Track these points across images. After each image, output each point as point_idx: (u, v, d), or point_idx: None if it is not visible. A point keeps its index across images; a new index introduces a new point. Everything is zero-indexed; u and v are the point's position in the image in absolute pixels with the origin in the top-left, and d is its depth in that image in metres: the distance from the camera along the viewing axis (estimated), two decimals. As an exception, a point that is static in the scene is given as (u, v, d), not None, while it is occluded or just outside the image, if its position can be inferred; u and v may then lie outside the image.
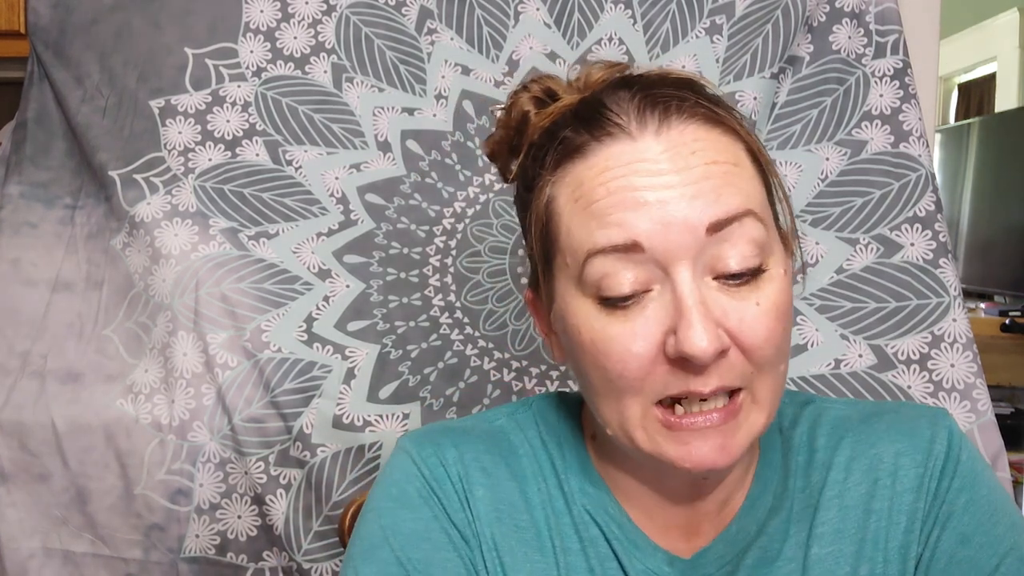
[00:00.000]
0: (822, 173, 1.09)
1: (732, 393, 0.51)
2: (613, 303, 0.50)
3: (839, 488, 0.58)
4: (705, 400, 0.50)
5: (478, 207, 1.13)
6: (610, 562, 0.57)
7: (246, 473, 1.04)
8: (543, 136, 0.57)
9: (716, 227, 0.49)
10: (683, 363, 0.49)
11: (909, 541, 0.56)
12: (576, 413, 0.63)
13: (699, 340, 0.47)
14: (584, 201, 0.52)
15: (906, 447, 0.58)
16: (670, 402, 0.51)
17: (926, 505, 0.56)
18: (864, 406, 0.63)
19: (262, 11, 1.16)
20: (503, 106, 0.61)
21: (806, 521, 0.58)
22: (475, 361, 1.08)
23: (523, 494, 0.59)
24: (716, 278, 0.50)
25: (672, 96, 0.53)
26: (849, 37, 1.11)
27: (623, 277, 0.50)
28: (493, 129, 0.64)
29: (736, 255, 0.50)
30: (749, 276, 0.50)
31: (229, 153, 1.13)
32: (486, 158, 1.19)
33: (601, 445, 0.60)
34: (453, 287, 1.10)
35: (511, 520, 0.58)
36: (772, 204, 0.55)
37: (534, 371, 1.08)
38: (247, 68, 1.15)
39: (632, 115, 0.52)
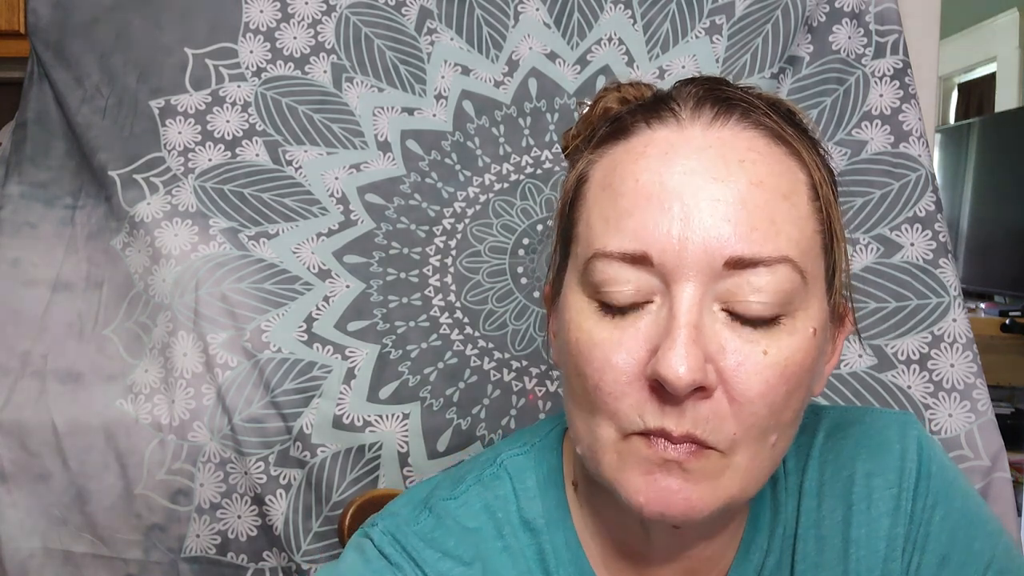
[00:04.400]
0: (822, 173, 1.09)
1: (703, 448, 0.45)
2: (608, 307, 0.46)
3: (814, 516, 0.54)
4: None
5: (478, 207, 1.13)
6: None
7: (246, 473, 1.04)
8: (605, 122, 0.52)
9: (737, 264, 0.43)
10: (660, 390, 0.44)
11: (890, 570, 0.52)
12: (556, 463, 0.56)
13: (677, 364, 0.41)
14: (611, 192, 0.47)
15: (877, 466, 0.54)
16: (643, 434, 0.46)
17: (904, 529, 0.53)
18: (824, 416, 0.58)
19: (262, 11, 1.16)
20: (588, 102, 0.56)
21: (788, 554, 0.54)
22: (475, 361, 1.08)
23: None
24: (725, 310, 0.44)
25: (740, 99, 0.47)
26: (849, 37, 1.11)
27: (624, 284, 0.45)
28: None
29: (756, 295, 0.44)
30: (767, 319, 0.44)
31: (229, 153, 1.13)
32: (486, 158, 1.20)
33: (583, 497, 0.54)
34: (453, 287, 1.11)
35: None
36: (827, 254, 0.48)
37: (534, 371, 1.08)
38: (247, 68, 1.15)
39: (689, 104, 0.47)
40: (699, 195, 0.44)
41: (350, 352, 1.07)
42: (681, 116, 0.47)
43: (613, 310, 0.46)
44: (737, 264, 0.43)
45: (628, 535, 0.53)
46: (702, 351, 0.43)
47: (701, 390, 0.43)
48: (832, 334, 0.51)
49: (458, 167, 1.14)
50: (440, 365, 1.08)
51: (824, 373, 0.51)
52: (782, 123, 0.47)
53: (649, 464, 0.45)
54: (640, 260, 0.44)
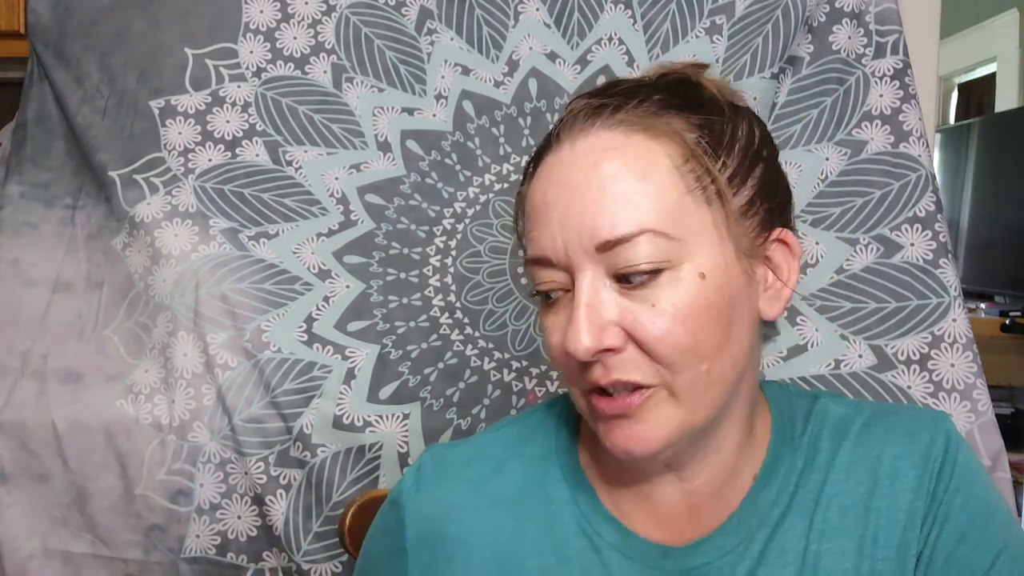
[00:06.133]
0: (822, 173, 1.09)
1: (637, 388, 0.54)
2: (543, 297, 0.57)
3: (840, 487, 0.59)
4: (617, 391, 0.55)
5: (478, 207, 1.13)
6: (595, 570, 0.59)
7: (246, 473, 1.04)
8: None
9: (606, 247, 0.53)
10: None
11: (909, 540, 0.57)
12: (576, 412, 0.65)
13: (575, 339, 0.52)
14: (527, 212, 0.58)
15: (905, 450, 0.59)
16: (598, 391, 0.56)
17: (925, 504, 0.58)
18: (865, 408, 0.64)
19: (262, 11, 1.16)
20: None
21: (806, 516, 0.59)
22: (475, 361, 1.08)
23: (495, 524, 0.62)
24: (617, 280, 0.54)
25: (608, 103, 0.56)
26: (849, 37, 1.11)
27: (544, 278, 0.56)
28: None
29: (629, 263, 0.53)
30: (647, 278, 0.53)
31: (229, 153, 1.13)
32: (486, 158, 1.20)
33: (590, 436, 0.63)
34: (453, 287, 1.11)
35: (487, 553, 0.61)
36: (722, 200, 0.55)
37: (534, 371, 1.08)
38: (247, 68, 1.15)
39: (568, 122, 0.57)
40: (568, 202, 0.54)
41: (350, 352, 1.07)
42: (561, 138, 0.57)
43: (549, 301, 0.57)
44: (605, 247, 0.53)
45: (625, 465, 0.61)
46: (598, 322, 0.53)
47: (610, 351, 0.53)
48: (764, 263, 0.58)
49: (458, 167, 1.14)
50: (440, 365, 1.08)
51: (780, 297, 0.59)
52: (651, 108, 0.56)
53: (607, 419, 0.55)
54: (545, 262, 0.56)
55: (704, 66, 0.61)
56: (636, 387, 0.54)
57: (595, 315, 0.53)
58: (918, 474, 0.58)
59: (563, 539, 0.60)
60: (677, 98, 0.57)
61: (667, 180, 0.54)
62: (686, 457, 0.59)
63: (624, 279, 0.53)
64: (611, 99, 0.56)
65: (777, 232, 0.58)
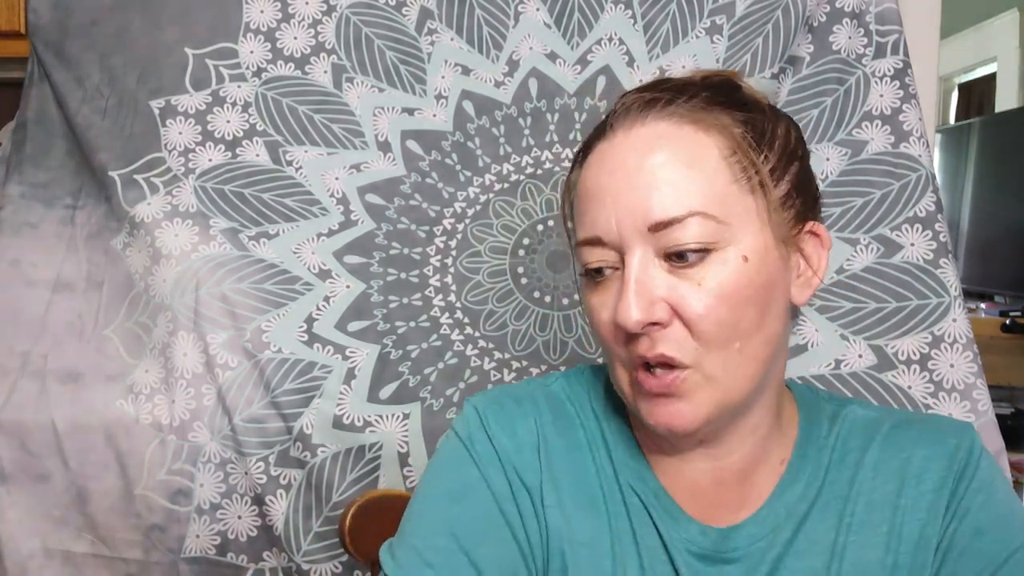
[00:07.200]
0: (822, 173, 1.09)
1: (673, 368, 0.58)
2: (592, 277, 0.60)
3: (869, 485, 0.63)
4: (661, 369, 0.58)
5: (478, 207, 1.13)
6: (649, 528, 0.63)
7: (246, 473, 1.04)
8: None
9: (657, 227, 0.56)
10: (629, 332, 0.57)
11: (929, 533, 0.61)
12: None
13: (624, 312, 0.56)
14: (577, 197, 0.62)
15: (934, 452, 0.63)
16: (644, 368, 0.59)
17: (946, 500, 0.61)
18: (895, 414, 0.68)
19: (262, 11, 1.16)
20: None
21: (835, 511, 0.63)
22: (475, 361, 1.08)
23: (581, 462, 0.65)
24: (667, 259, 0.57)
25: (660, 97, 0.60)
26: (849, 37, 1.11)
27: (595, 257, 0.59)
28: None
29: (679, 243, 0.56)
30: (695, 259, 0.56)
31: (229, 153, 1.13)
32: (486, 158, 1.20)
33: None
34: (453, 287, 1.11)
35: (570, 483, 0.64)
36: (764, 190, 0.58)
37: (534, 371, 1.08)
38: (247, 68, 1.15)
39: (620, 113, 0.60)
40: (621, 184, 0.58)
41: (350, 352, 1.07)
42: (614, 126, 0.60)
43: (597, 280, 0.60)
44: (657, 227, 0.56)
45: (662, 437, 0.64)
46: (648, 296, 0.56)
47: (657, 324, 0.56)
48: (797, 252, 0.61)
49: (458, 167, 1.14)
50: (440, 365, 1.08)
51: (810, 284, 0.62)
52: (700, 103, 0.59)
53: (649, 396, 0.59)
54: (597, 242, 0.59)
55: (740, 74, 0.65)
56: (673, 366, 0.57)
57: (644, 290, 0.56)
58: (942, 475, 0.62)
59: (626, 492, 0.64)
60: (723, 96, 0.60)
61: (715, 169, 0.57)
62: (720, 436, 0.62)
63: (673, 258, 0.57)
64: (663, 93, 0.60)
65: (810, 225, 0.62)
